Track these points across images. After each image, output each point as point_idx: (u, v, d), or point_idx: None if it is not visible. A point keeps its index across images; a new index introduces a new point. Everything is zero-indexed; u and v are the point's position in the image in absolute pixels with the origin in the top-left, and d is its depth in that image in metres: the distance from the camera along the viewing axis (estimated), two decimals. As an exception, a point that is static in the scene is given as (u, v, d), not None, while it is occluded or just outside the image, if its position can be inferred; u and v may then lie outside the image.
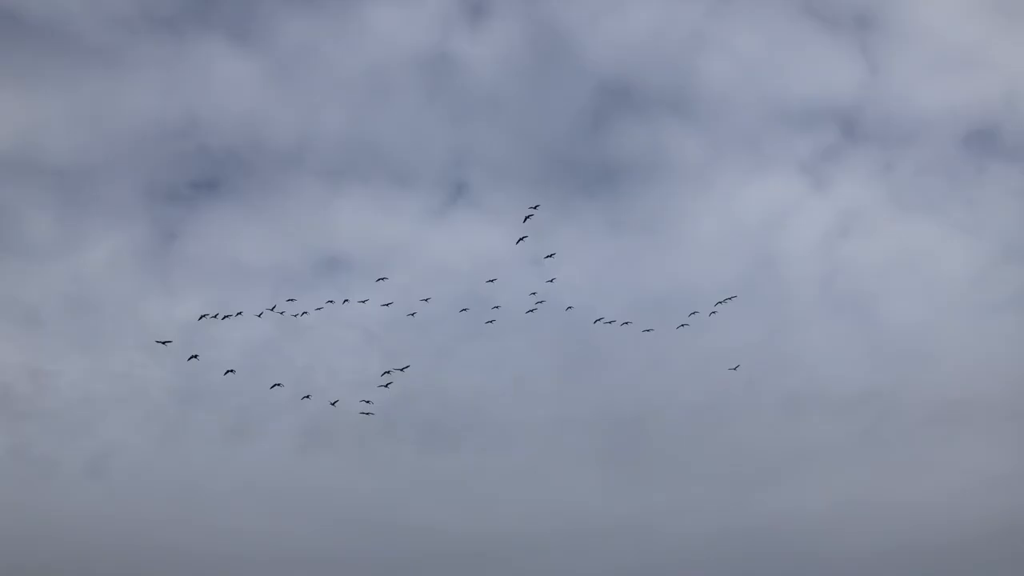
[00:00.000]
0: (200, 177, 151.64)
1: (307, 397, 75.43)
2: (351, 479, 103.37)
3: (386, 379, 77.75)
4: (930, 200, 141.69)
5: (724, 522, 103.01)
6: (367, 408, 77.49)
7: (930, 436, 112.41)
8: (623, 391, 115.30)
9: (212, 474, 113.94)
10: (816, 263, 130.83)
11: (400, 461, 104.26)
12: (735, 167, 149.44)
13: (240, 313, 78.00)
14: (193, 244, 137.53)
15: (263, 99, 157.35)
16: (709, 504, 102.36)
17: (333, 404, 78.23)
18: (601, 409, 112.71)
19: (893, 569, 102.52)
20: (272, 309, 79.83)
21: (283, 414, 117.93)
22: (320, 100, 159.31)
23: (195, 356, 74.39)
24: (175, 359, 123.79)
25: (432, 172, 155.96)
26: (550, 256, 79.77)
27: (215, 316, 78.41)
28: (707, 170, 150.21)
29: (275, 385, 78.01)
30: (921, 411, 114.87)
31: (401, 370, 75.73)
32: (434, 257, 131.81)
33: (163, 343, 72.59)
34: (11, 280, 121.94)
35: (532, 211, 73.69)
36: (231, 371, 75.79)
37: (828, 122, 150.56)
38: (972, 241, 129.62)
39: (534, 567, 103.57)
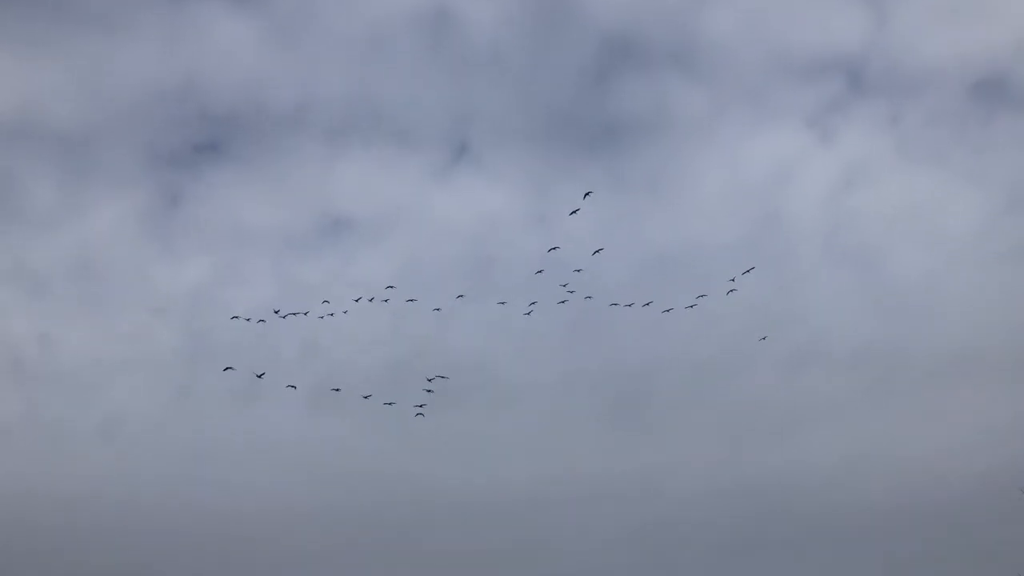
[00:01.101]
0: (202, 140, 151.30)
1: (261, 375, 73.88)
2: (359, 438, 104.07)
3: (429, 386, 76.45)
4: (936, 151, 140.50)
5: (729, 477, 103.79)
6: (419, 410, 76.48)
7: (935, 389, 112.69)
8: (628, 349, 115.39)
9: (221, 435, 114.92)
10: (821, 217, 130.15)
11: (407, 419, 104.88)
12: (739, 121, 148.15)
13: (277, 312, 76.87)
14: (196, 208, 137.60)
15: (263, 60, 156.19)
16: (714, 459, 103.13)
17: (388, 404, 77.22)
18: (607, 366, 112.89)
19: (898, 520, 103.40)
20: (303, 313, 78.67)
21: (291, 375, 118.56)
22: (320, 61, 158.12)
23: (230, 368, 73.26)
24: (182, 322, 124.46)
25: (434, 132, 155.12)
26: (598, 252, 77.60)
27: (248, 320, 77.48)
28: (711, 125, 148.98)
29: (227, 368, 76.46)
30: (926, 364, 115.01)
31: (443, 378, 74.22)
32: (437, 217, 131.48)
33: (227, 369, 72.30)
34: (17, 246, 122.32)
35: (584, 198, 70.84)
36: (230, 368, 74.18)
37: (834, 73, 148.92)
38: (978, 192, 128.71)
39: (540, 522, 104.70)
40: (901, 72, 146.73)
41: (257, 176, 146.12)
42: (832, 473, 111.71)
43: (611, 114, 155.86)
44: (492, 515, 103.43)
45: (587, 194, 72.46)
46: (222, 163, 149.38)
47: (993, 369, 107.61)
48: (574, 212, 73.28)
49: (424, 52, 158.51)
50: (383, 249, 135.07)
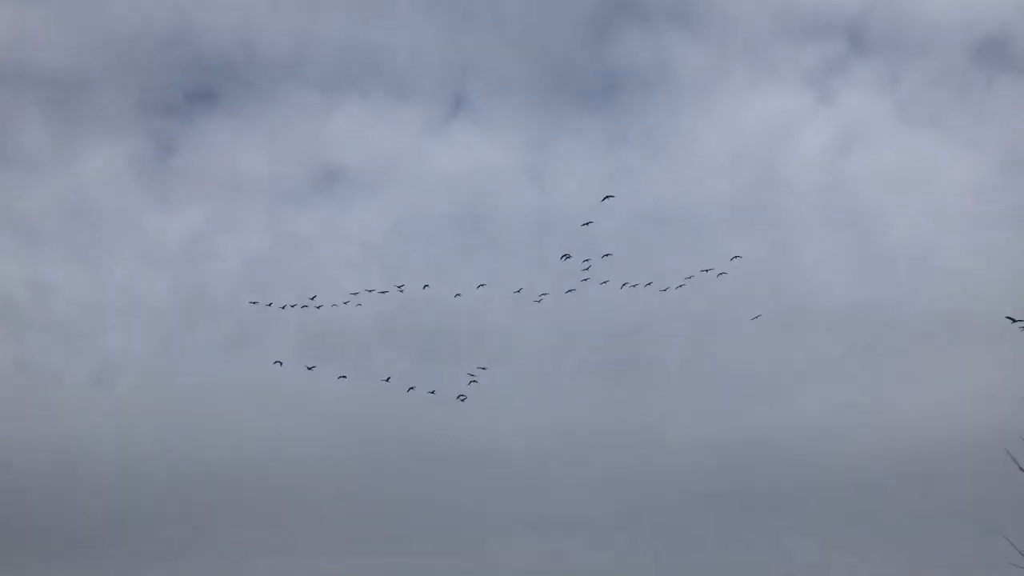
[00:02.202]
0: (195, 88, 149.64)
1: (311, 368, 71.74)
2: (352, 389, 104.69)
3: (471, 379, 75.39)
4: (935, 113, 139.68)
5: (721, 433, 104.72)
6: (462, 398, 75.40)
7: (926, 349, 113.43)
8: (622, 304, 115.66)
9: (214, 384, 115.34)
10: (818, 177, 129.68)
11: (401, 372, 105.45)
12: (739, 79, 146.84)
13: (316, 301, 75.44)
14: (190, 156, 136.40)
15: (258, 7, 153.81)
16: (706, 415, 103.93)
17: (431, 393, 76.04)
18: (600, 322, 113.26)
19: (886, 477, 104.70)
20: (317, 307, 77.32)
21: (284, 325, 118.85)
22: (316, 8, 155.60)
23: (312, 367, 72.11)
24: (175, 272, 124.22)
25: (431, 83, 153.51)
26: (607, 255, 75.99)
27: (269, 305, 76.17)
28: (711, 82, 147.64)
29: (311, 368, 75.66)
30: (918, 324, 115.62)
31: (483, 369, 72.69)
32: (432, 170, 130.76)
33: (386, 379, 70.95)
34: (8, 192, 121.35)
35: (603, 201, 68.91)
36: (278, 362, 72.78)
37: (835, 33, 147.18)
38: (975, 155, 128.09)
39: (531, 472, 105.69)
40: (903, 32, 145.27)
41: (251, 125, 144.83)
42: (821, 430, 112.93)
43: (611, 69, 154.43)
44: (485, 465, 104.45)
45: (606, 197, 70.55)
46: (216, 111, 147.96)
47: (983, 332, 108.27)
48: (587, 224, 71.86)
49: (422, 1, 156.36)
50: (377, 202, 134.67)
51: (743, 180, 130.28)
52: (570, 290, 76.72)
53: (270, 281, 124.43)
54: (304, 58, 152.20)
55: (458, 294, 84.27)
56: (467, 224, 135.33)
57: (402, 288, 79.22)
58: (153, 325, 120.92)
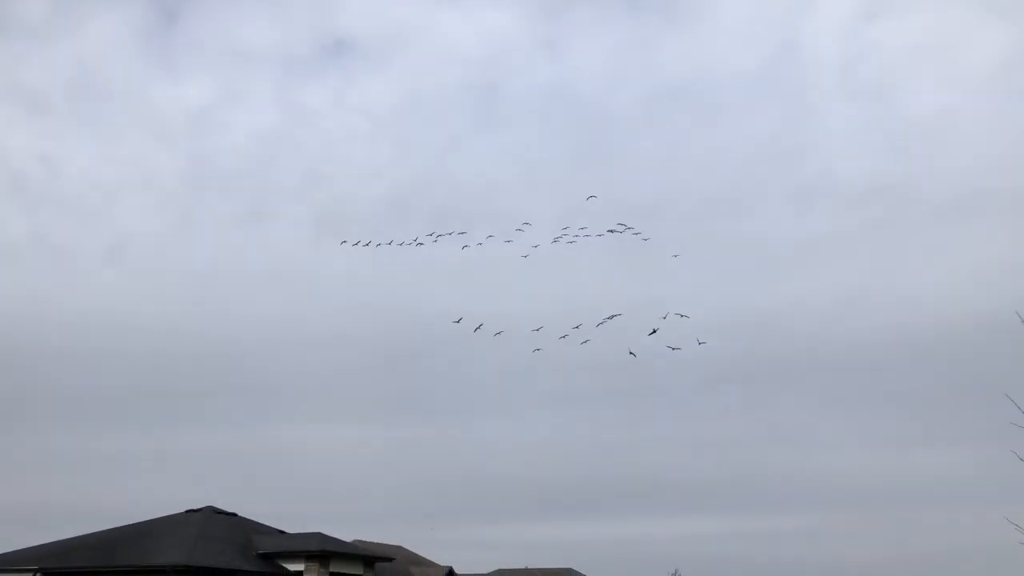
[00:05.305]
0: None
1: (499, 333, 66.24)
2: (364, 264, 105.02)
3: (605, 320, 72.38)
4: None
5: (733, 310, 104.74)
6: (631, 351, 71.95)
7: (942, 226, 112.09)
8: (636, 181, 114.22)
9: (227, 259, 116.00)
10: (840, 47, 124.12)
11: (411, 247, 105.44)
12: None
13: (378, 242, 70.91)
14: (195, 25, 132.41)
15: None
16: (718, 291, 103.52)
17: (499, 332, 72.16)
18: (613, 199, 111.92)
19: (897, 354, 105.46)
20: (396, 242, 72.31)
21: (296, 200, 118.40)
22: None
23: (459, 320, 66.59)
24: (183, 145, 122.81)
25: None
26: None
27: (356, 244, 72.04)
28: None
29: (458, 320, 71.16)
30: (935, 201, 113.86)
31: (611, 318, 68.43)
32: (442, 39, 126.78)
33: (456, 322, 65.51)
34: (13, 63, 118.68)
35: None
36: (500, 332, 66.72)
37: None
38: (1003, 25, 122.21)
39: (543, 350, 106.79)
40: None
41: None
42: (833, 307, 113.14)
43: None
44: (493, 340, 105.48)
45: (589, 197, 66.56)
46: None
47: (1001, 207, 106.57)
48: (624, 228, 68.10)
49: None
50: (386, 72, 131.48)
51: (762, 51, 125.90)
52: (561, 238, 71.93)
53: (278, 154, 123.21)
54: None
55: (490, 236, 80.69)
56: (478, 95, 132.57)
57: (431, 236, 75.08)
58: (163, 199, 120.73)
